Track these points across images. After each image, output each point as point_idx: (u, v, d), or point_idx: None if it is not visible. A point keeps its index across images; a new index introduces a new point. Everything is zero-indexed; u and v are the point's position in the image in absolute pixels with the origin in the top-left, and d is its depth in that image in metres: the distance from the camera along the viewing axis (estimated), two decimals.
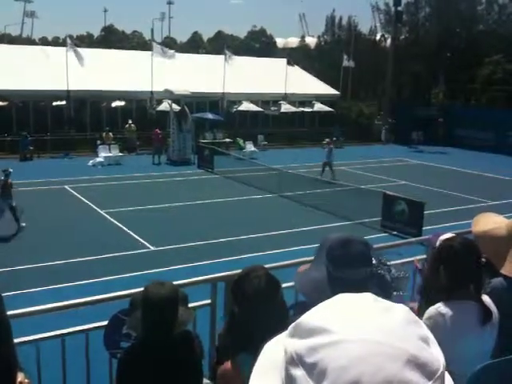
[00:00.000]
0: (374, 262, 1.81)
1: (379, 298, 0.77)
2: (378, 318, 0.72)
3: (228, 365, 2.31)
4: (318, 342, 0.69)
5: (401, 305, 0.77)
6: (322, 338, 0.69)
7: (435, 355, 0.70)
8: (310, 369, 0.68)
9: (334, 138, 33.77)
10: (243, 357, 2.23)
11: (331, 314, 0.73)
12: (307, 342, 0.70)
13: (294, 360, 0.70)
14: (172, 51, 30.81)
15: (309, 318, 0.73)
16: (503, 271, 2.88)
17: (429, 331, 0.74)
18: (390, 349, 0.68)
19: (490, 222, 3.01)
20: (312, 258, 2.01)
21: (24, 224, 13.44)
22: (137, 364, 2.80)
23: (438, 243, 2.98)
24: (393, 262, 2.09)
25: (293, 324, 0.74)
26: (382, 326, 0.71)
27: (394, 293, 1.73)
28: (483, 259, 2.79)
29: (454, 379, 0.79)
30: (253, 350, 2.16)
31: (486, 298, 2.64)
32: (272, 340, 0.84)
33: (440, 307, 2.57)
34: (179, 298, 2.87)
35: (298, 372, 0.69)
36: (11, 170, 14.69)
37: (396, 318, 0.73)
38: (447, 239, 2.87)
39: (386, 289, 1.71)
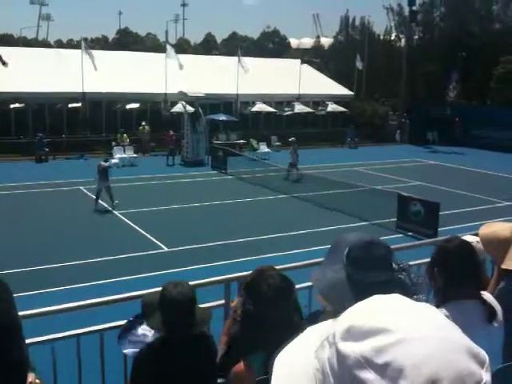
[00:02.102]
0: (394, 266, 1.79)
1: (408, 298, 0.78)
2: (427, 315, 0.73)
3: (241, 366, 2.30)
4: (383, 342, 0.68)
5: (426, 303, 0.80)
6: (384, 337, 0.68)
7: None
8: (382, 370, 0.66)
9: (349, 139, 33.79)
10: (256, 357, 2.22)
11: (382, 314, 0.72)
12: (370, 343, 0.68)
13: (362, 363, 0.67)
14: (181, 62, 30.76)
15: (361, 320, 0.71)
16: (504, 266, 3.06)
17: None
18: (450, 343, 0.69)
19: (495, 227, 3.29)
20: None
21: (117, 201, 16.33)
22: (154, 362, 2.80)
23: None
24: (410, 263, 2.07)
25: (343, 328, 0.71)
26: (434, 322, 0.72)
27: (415, 296, 1.70)
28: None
29: None
30: (266, 350, 2.16)
31: (488, 296, 2.66)
32: (285, 351, 0.82)
33: (441, 310, 2.56)
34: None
35: (369, 375, 0.67)
36: (109, 158, 18.80)
37: (438, 314, 0.76)
38: (443, 241, 2.93)
39: (406, 293, 1.69)
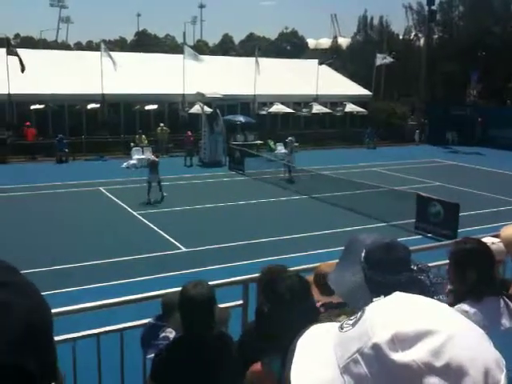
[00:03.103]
0: (412, 267, 1.78)
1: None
2: (446, 309, 0.73)
3: (258, 366, 2.30)
4: (436, 344, 0.66)
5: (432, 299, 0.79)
6: (434, 339, 0.66)
7: None
8: (444, 371, 0.65)
9: (367, 139, 33.60)
10: (274, 358, 2.21)
11: (416, 315, 0.70)
12: (423, 347, 0.66)
13: (424, 370, 0.65)
14: (202, 57, 31.02)
15: (401, 326, 0.68)
16: None
17: None
18: (479, 334, 0.70)
19: None
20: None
21: (166, 194, 17.56)
22: (173, 361, 2.82)
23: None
24: (430, 264, 2.06)
25: (386, 338, 0.68)
26: (457, 316, 0.72)
27: (435, 297, 1.70)
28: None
29: None
30: (284, 351, 2.16)
31: (508, 295, 2.66)
32: (299, 368, 0.75)
33: (462, 306, 2.58)
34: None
35: (434, 380, 0.65)
36: (159, 155, 20.23)
37: (448, 306, 0.76)
38: (459, 242, 2.96)
39: (425, 294, 1.69)
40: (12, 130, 27.26)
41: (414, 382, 0.65)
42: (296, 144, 31.73)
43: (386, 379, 0.66)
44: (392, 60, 38.24)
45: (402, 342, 0.67)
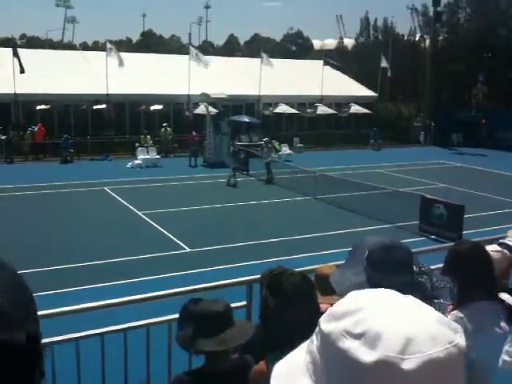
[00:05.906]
0: (415, 269, 1.78)
1: (418, 301, 0.82)
2: (409, 309, 0.79)
3: (262, 365, 2.30)
4: (361, 316, 0.75)
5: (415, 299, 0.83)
6: (362, 312, 0.76)
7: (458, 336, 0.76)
8: (361, 336, 0.73)
9: (372, 140, 33.56)
10: (277, 356, 2.21)
11: (362, 298, 0.81)
12: (349, 318, 0.76)
13: (343, 335, 0.74)
14: (207, 58, 30.94)
15: (341, 304, 0.80)
16: None
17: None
18: (422, 315, 0.78)
19: None
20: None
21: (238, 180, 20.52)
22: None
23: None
24: (432, 267, 2.06)
25: (326, 314, 0.80)
26: (409, 309, 0.79)
27: (435, 301, 1.70)
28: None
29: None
30: (288, 349, 2.15)
31: (507, 297, 2.65)
32: (279, 363, 0.88)
33: (457, 312, 2.57)
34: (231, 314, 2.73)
35: (350, 343, 0.73)
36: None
37: (429, 313, 0.80)
38: (455, 244, 2.96)
39: (426, 296, 1.69)
40: (17, 130, 27.33)
41: (334, 346, 0.75)
42: (300, 145, 31.86)
43: (322, 348, 0.78)
44: (388, 68, 38.36)
45: (335, 315, 0.78)
